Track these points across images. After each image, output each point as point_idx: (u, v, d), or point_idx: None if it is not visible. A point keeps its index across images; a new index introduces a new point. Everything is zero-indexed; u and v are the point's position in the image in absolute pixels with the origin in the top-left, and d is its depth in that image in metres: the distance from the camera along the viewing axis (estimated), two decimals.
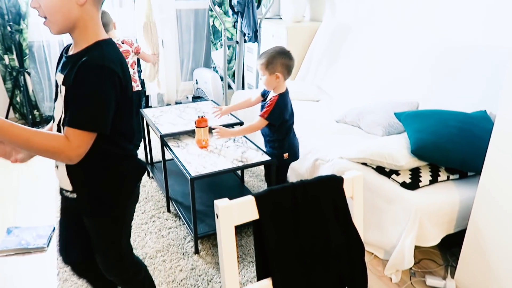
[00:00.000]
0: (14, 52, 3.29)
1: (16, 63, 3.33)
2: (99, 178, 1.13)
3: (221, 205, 0.81)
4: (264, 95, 2.11)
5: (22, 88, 3.28)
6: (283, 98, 1.97)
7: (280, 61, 1.92)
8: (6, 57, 3.32)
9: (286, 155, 2.07)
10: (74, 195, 1.15)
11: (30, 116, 3.44)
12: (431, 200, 1.82)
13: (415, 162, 1.92)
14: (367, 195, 1.98)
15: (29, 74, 3.40)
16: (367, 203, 1.99)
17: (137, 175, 1.26)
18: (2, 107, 3.51)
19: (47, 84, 3.54)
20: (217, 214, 0.82)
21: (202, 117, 2.07)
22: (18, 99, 3.47)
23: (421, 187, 1.88)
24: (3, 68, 3.36)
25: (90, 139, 0.98)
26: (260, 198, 0.85)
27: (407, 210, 1.81)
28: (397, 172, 1.93)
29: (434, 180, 1.90)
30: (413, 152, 1.91)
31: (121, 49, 2.71)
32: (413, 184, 1.86)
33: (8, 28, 3.17)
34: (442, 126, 1.93)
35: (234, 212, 0.83)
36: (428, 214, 1.80)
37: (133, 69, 2.75)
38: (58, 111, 1.06)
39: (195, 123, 2.08)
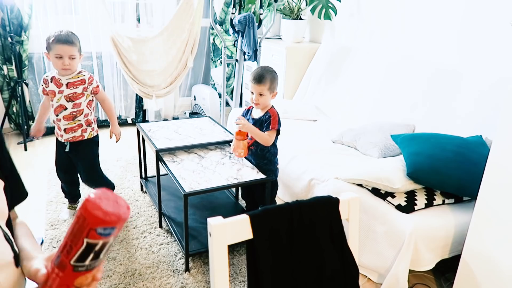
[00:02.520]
0: (13, 63, 3.29)
1: (15, 74, 3.33)
2: None
3: (215, 223, 0.80)
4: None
5: (19, 99, 3.27)
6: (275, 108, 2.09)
7: (277, 80, 2.03)
8: (5, 67, 3.32)
9: (278, 165, 2.21)
10: None
11: (26, 127, 3.42)
12: (426, 224, 1.80)
13: (411, 185, 1.92)
14: (362, 217, 1.96)
15: (27, 85, 3.40)
16: (361, 225, 1.97)
17: None
18: None
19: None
20: (210, 233, 0.80)
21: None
22: (14, 109, 3.45)
23: (416, 210, 1.86)
24: (1, 78, 3.36)
25: None
26: (255, 218, 0.84)
27: (401, 234, 1.79)
28: (392, 195, 1.92)
29: (429, 204, 1.89)
30: (409, 175, 1.90)
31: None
32: (408, 207, 1.85)
33: (9, 39, 3.18)
34: (438, 150, 1.93)
35: (228, 231, 0.82)
36: (423, 238, 1.78)
37: (89, 108, 2.16)
38: None
39: (236, 134, 2.03)
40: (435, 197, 1.92)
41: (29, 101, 3.48)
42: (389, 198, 1.92)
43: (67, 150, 2.17)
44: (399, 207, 1.86)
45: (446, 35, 2.57)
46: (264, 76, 1.97)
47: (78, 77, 2.07)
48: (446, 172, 1.88)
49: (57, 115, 2.10)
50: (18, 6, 3.18)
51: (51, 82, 2.06)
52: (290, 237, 0.88)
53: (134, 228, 2.26)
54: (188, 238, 1.91)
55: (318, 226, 0.90)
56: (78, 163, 2.23)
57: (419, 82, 2.62)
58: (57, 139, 2.19)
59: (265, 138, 2.02)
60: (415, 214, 1.84)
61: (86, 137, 2.16)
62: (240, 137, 2.03)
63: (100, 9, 3.06)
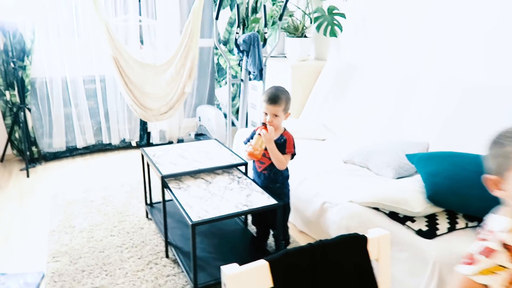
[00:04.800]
0: (16, 88, 3.25)
1: (17, 99, 3.28)
2: None
3: (229, 273, 0.70)
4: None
5: (21, 124, 3.22)
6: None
7: (290, 100, 1.97)
8: (7, 93, 3.28)
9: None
10: None
11: (28, 153, 3.36)
12: (450, 250, 1.68)
13: (431, 208, 1.81)
14: None
15: (29, 110, 3.35)
16: None
17: None
18: (0, 143, 3.44)
19: (47, 120, 3.48)
20: (224, 283, 0.71)
21: (265, 125, 1.90)
22: (16, 135, 3.39)
23: (439, 235, 1.75)
24: (3, 104, 3.31)
25: None
26: (275, 263, 0.74)
27: (425, 261, 1.67)
28: (412, 219, 1.81)
29: (452, 227, 1.78)
30: (429, 198, 1.79)
31: None
32: (430, 232, 1.74)
33: (12, 65, 3.15)
34: (458, 169, 1.83)
35: (245, 281, 0.72)
36: (448, 266, 1.66)
37: None
38: None
39: (260, 130, 1.91)
40: (457, 220, 1.81)
41: (32, 126, 3.42)
42: (408, 223, 1.80)
43: None
44: (420, 232, 1.75)
45: (456, 48, 2.50)
46: (279, 97, 1.90)
47: None
48: (467, 193, 1.77)
49: None
50: (20, 31, 3.16)
51: None
52: (315, 282, 0.78)
53: (139, 258, 2.15)
54: (196, 270, 1.80)
55: (345, 269, 0.80)
56: None
57: (431, 98, 2.54)
58: None
59: (281, 160, 1.95)
60: (438, 240, 1.72)
61: None
62: (256, 151, 1.89)
63: (102, 31, 3.00)
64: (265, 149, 1.93)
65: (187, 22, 3.12)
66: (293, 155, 2.00)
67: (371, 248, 0.83)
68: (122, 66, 3.08)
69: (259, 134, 1.90)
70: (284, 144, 1.95)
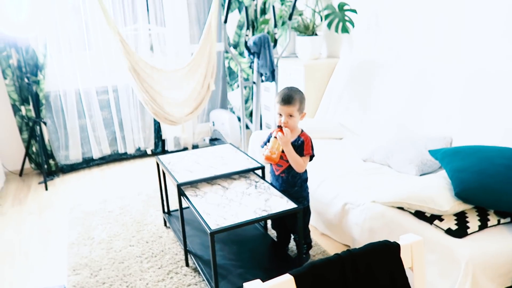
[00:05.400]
0: (31, 103, 3.28)
1: (33, 114, 3.31)
2: None
3: None
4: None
5: (38, 138, 3.24)
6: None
7: (305, 100, 1.91)
8: (23, 108, 3.31)
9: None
10: None
11: (46, 166, 3.38)
12: (483, 250, 1.59)
13: (460, 206, 1.72)
14: None
15: (45, 123, 3.37)
16: None
17: None
18: (18, 158, 3.47)
19: (63, 133, 3.50)
20: None
21: (281, 128, 1.84)
22: (34, 149, 3.42)
23: (470, 234, 1.66)
24: (19, 119, 3.34)
25: None
26: (301, 277, 0.68)
27: (456, 262, 1.59)
28: (440, 218, 1.73)
29: (483, 225, 1.68)
30: (457, 195, 1.71)
31: None
32: (461, 231, 1.65)
33: (26, 80, 3.18)
34: (487, 164, 1.74)
35: None
36: (481, 266, 1.57)
37: None
38: None
39: (275, 132, 1.85)
40: (488, 217, 1.72)
41: (48, 139, 3.44)
42: (436, 222, 1.72)
43: None
44: (449, 232, 1.66)
45: (474, 37, 2.39)
46: (293, 97, 1.84)
47: None
48: (498, 189, 1.68)
49: None
50: (33, 46, 3.19)
51: None
52: None
53: (159, 268, 2.12)
54: (217, 279, 1.75)
55: (378, 281, 0.74)
56: None
57: (452, 90, 2.44)
58: None
59: (300, 163, 1.88)
60: (469, 239, 1.63)
61: None
62: (273, 154, 1.84)
63: (117, 44, 2.99)
64: (283, 151, 1.87)
65: (206, 26, 3.13)
66: (311, 157, 1.93)
67: (404, 256, 0.76)
68: (142, 77, 3.05)
69: (275, 137, 1.85)
70: (301, 146, 1.89)
